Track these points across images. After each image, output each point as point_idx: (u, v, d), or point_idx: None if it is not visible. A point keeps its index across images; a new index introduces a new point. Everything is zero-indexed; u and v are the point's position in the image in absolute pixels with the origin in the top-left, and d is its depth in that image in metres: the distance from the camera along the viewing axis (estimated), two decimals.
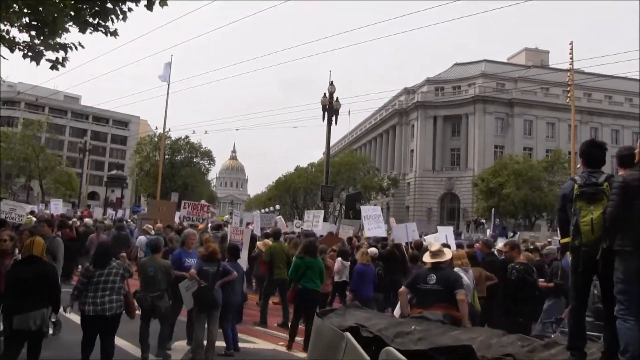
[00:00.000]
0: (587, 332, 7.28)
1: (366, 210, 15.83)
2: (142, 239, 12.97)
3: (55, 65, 7.28)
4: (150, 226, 14.70)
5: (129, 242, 14.87)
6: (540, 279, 8.98)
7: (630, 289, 3.72)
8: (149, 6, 6.78)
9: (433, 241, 14.54)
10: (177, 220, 17.92)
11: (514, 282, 7.86)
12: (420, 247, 11.65)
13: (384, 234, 15.08)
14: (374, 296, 9.95)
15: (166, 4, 6.83)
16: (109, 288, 6.12)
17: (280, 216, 28.61)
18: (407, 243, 12.53)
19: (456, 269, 7.90)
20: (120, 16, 6.92)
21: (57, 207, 24.81)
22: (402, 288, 6.37)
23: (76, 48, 7.17)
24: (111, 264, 6.32)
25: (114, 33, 7.13)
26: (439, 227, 16.05)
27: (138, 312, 7.40)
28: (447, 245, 11.24)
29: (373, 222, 14.94)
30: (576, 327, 4.22)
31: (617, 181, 3.92)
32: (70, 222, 15.71)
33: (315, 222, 16.96)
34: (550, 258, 10.19)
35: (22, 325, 5.44)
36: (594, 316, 7.07)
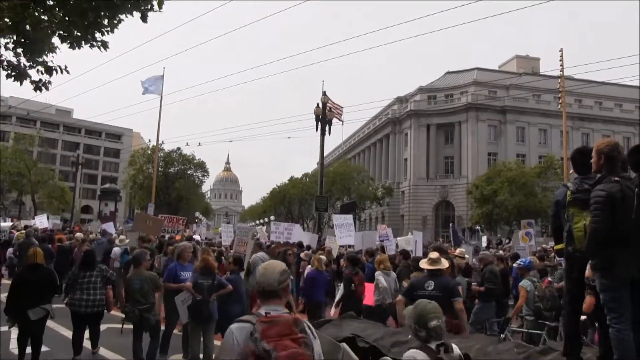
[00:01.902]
0: (529, 330, 7.72)
1: (337, 219, 15.79)
2: (116, 250, 13.21)
3: (39, 86, 7.20)
4: (123, 237, 15.41)
5: None
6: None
7: (621, 295, 3.71)
8: (144, 18, 6.75)
9: (404, 244, 14.89)
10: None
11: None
12: (373, 255, 11.63)
13: (354, 242, 15.12)
14: (326, 301, 10.12)
15: (160, 10, 6.77)
16: (92, 288, 7.43)
17: (262, 227, 29.09)
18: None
19: (377, 272, 8.81)
20: (108, 28, 6.84)
21: (42, 221, 25.17)
22: (400, 297, 6.33)
23: (62, 71, 7.08)
24: (95, 268, 7.66)
25: (104, 44, 7.06)
26: (414, 232, 16.14)
27: (129, 326, 7.36)
28: (405, 252, 11.60)
29: (344, 230, 15.04)
30: (571, 333, 4.21)
31: (600, 195, 3.78)
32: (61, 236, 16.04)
33: (287, 233, 17.18)
34: (484, 262, 10.28)
35: (37, 316, 6.82)
36: (534, 315, 7.83)
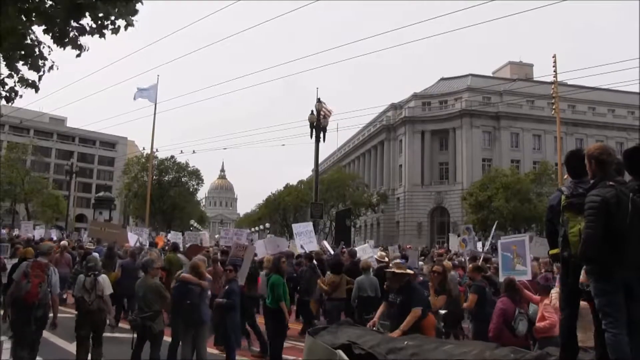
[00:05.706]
0: None
1: (297, 227, 16.17)
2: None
3: (10, 97, 7.12)
4: (91, 244, 16.77)
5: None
6: None
7: (616, 299, 3.70)
8: (100, 32, 6.51)
9: (361, 252, 15.29)
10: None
11: (296, 277, 10.19)
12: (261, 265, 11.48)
13: (316, 249, 15.27)
14: None
15: (133, 26, 6.54)
16: None
17: (205, 232, 33.87)
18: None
19: (263, 272, 10.19)
20: (66, 42, 6.64)
21: (28, 228, 26.77)
22: (418, 310, 6.35)
23: (33, 88, 7.00)
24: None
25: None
26: (369, 242, 16.98)
27: (128, 335, 7.30)
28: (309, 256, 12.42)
29: (305, 238, 15.35)
30: (568, 338, 4.20)
31: (594, 200, 3.76)
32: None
33: (237, 238, 17.58)
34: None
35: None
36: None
